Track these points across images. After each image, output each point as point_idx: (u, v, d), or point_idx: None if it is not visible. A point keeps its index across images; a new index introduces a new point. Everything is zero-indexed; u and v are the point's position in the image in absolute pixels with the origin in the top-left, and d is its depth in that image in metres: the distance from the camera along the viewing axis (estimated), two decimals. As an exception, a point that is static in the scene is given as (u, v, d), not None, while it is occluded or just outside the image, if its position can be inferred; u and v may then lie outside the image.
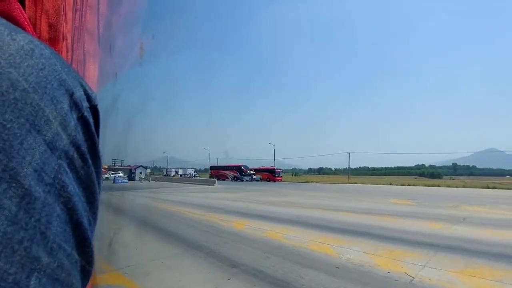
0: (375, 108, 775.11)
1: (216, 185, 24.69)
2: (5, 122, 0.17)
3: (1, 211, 0.16)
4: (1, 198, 0.16)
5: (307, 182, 46.08)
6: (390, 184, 36.26)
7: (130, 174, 34.17)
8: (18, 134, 0.17)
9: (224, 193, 16.20)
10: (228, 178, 42.85)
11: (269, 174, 44.02)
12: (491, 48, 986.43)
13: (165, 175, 52.41)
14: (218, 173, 45.42)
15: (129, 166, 34.85)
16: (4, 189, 0.16)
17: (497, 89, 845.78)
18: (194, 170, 60.03)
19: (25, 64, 0.19)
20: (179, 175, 55.01)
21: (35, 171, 0.18)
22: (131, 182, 30.67)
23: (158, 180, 33.52)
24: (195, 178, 41.87)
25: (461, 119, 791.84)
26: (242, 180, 40.14)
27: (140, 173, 36.49)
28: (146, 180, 32.59)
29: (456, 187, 31.20)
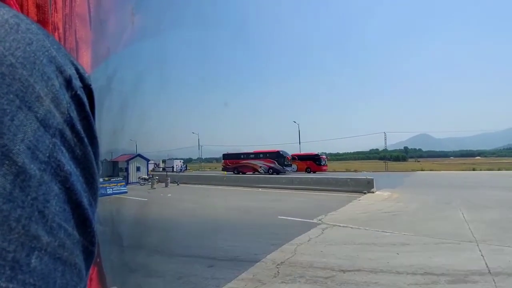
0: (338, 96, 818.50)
1: (377, 191, 11.26)
2: None
3: None
4: None
5: (347, 171, 35.99)
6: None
7: (117, 172, 17.52)
8: (8, 110, 0.16)
9: None
10: (257, 171, 28.65)
11: (311, 163, 31.60)
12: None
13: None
14: (238, 163, 30.56)
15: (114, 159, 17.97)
16: None
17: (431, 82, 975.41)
18: (182, 161, 43.45)
19: (11, 38, 0.18)
20: (161, 169, 38.91)
21: (29, 148, 0.17)
22: (130, 189, 15.10)
23: (177, 182, 17.60)
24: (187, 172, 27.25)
25: (396, 106, 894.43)
26: (280, 173, 26.41)
27: (137, 169, 18.90)
28: (159, 182, 16.67)
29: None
